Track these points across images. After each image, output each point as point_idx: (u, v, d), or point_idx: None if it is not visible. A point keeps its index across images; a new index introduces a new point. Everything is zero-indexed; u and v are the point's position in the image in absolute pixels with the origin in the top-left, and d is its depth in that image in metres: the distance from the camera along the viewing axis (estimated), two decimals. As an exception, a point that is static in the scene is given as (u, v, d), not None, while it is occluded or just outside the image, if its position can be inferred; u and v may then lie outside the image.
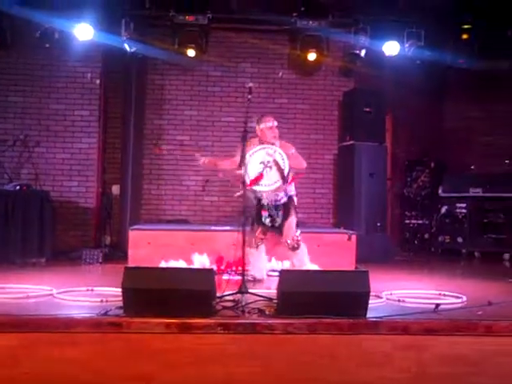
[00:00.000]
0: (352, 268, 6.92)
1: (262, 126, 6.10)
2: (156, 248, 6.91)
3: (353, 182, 9.13)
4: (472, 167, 9.94)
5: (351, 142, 9.27)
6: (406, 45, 9.04)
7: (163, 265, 6.59)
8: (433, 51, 9.08)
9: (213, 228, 7.52)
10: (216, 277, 4.60)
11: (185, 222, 9.39)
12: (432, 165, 10.18)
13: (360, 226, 8.73)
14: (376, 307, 4.64)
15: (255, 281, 6.02)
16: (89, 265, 7.50)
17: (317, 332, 4.12)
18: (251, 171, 5.70)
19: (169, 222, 9.33)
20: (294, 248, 6.06)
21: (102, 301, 4.63)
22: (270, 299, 4.59)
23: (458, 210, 9.62)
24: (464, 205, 9.56)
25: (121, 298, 4.23)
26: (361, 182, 9.08)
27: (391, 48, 9.10)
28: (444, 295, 5.28)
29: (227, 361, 4.05)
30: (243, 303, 4.52)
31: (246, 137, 5.19)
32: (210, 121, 9.89)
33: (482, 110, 10.33)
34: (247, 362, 4.06)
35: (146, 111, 9.73)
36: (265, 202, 6.04)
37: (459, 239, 9.48)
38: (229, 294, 4.70)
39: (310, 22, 9.07)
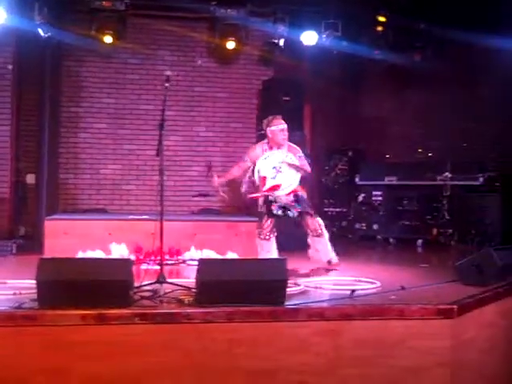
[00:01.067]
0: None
1: (274, 128, 6.26)
2: (73, 238, 6.77)
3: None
4: (387, 156, 10.20)
5: (270, 131, 9.30)
6: (324, 35, 9.15)
7: (81, 255, 6.47)
8: (350, 42, 9.24)
9: (131, 217, 7.44)
10: (134, 267, 4.56)
11: (103, 211, 9.23)
12: (350, 153, 10.37)
13: (279, 214, 8.79)
14: (294, 294, 4.72)
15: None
16: (1, 257, 7.26)
17: (236, 320, 4.14)
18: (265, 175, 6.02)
19: (86, 211, 9.15)
20: (319, 235, 6.27)
21: (15, 293, 4.50)
22: (189, 288, 4.58)
23: (374, 198, 9.85)
24: (380, 193, 9.80)
25: (35, 291, 4.13)
26: (280, 170, 9.12)
27: (309, 38, 9.19)
28: (360, 281, 5.40)
29: (145, 351, 4.02)
30: (161, 293, 4.50)
31: (162, 125, 5.13)
32: (129, 109, 9.75)
33: (396, 101, 10.59)
34: (166, 352, 4.05)
35: (62, 98, 9.50)
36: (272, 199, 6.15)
37: (375, 226, 9.72)
38: (147, 284, 4.67)
39: (229, 11, 9.04)
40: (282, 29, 9.16)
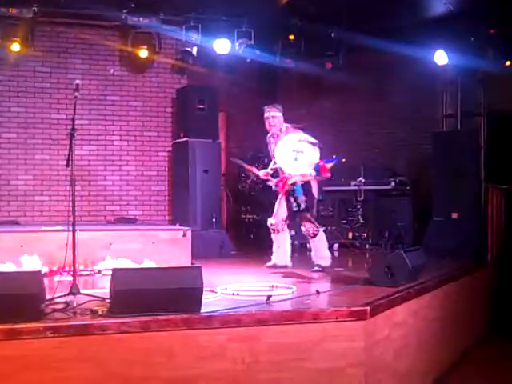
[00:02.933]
0: (188, 264, 6.96)
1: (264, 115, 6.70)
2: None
3: (187, 179, 9.19)
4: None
5: (185, 139, 9.33)
6: (237, 43, 9.22)
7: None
8: (263, 50, 9.34)
9: (43, 228, 7.25)
10: (47, 279, 4.45)
11: (14, 223, 8.95)
12: (265, 160, 10.44)
13: (196, 222, 8.82)
14: (211, 302, 4.71)
15: (277, 267, 6.55)
16: None
17: (151, 329, 4.10)
18: (287, 159, 6.29)
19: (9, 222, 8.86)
20: (314, 235, 6.62)
21: None
22: (103, 299, 4.51)
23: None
24: (295, 198, 9.91)
25: None
26: (195, 178, 9.16)
27: (222, 46, 9.23)
28: (276, 287, 5.46)
29: (58, 365, 3.91)
30: (74, 304, 4.41)
31: (73, 134, 5.04)
32: (39, 118, 9.52)
33: (311, 108, 10.78)
34: (79, 365, 3.95)
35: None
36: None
37: (292, 232, 9.80)
38: (59, 296, 4.57)
39: (141, 19, 8.98)
40: (194, 37, 9.15)
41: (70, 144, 4.94)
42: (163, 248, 7.04)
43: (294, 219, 6.88)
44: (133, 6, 8.93)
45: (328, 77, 10.01)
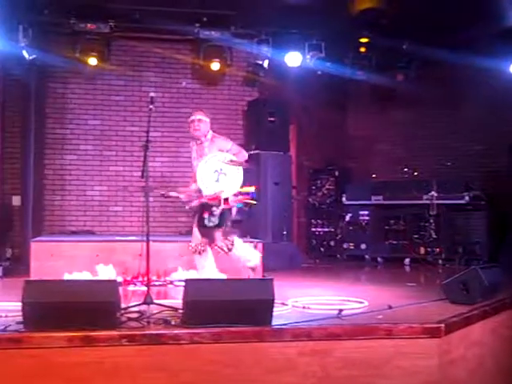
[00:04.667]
0: (259, 276, 6.96)
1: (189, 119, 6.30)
2: (60, 260, 6.73)
3: (258, 191, 9.18)
4: (373, 175, 10.25)
5: (256, 151, 9.36)
6: (308, 56, 9.23)
7: (67, 277, 6.43)
8: (333, 63, 9.32)
9: (118, 238, 7.40)
10: (121, 288, 4.53)
11: (90, 233, 9.19)
12: (336, 173, 10.43)
13: (266, 235, 8.83)
14: (281, 315, 4.69)
15: None
16: (-12, 279, 7.22)
17: (222, 341, 4.12)
18: (207, 181, 5.89)
19: (73, 233, 9.12)
20: (230, 250, 6.15)
21: (0, 316, 4.46)
22: (176, 309, 4.56)
23: (361, 218, 9.89)
24: (366, 212, 9.85)
25: (21, 313, 4.09)
26: (266, 190, 9.18)
27: (293, 59, 9.28)
28: (347, 301, 5.40)
29: (133, 373, 3.98)
30: (148, 314, 4.47)
31: (147, 146, 5.14)
32: (114, 130, 9.76)
33: (381, 120, 10.68)
34: (153, 374, 4.01)
35: (47, 120, 9.50)
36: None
37: (363, 246, 9.74)
38: (134, 305, 4.65)
39: (213, 32, 9.12)
40: (266, 50, 9.24)
41: (145, 156, 5.04)
42: (234, 260, 7.05)
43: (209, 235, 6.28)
44: (205, 20, 9.07)
45: (400, 89, 9.90)
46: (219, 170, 5.94)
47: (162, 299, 5.16)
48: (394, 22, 8.69)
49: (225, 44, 9.23)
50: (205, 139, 6.22)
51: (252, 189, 6.24)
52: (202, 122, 6.22)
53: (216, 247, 6.15)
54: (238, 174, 6.04)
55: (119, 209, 9.58)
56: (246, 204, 6.21)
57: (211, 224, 6.01)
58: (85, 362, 3.92)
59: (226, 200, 5.98)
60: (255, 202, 6.35)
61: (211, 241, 6.15)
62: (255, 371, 4.12)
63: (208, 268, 6.19)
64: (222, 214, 6.01)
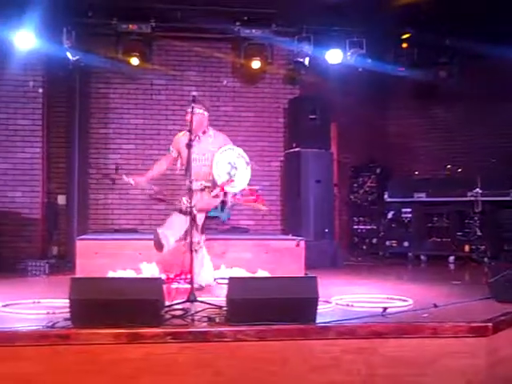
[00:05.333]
0: (301, 274, 6.95)
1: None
2: (104, 258, 6.80)
3: (300, 189, 9.21)
4: (416, 172, 10.14)
5: (297, 149, 9.36)
6: (349, 53, 9.18)
7: (111, 275, 6.50)
8: (375, 59, 9.25)
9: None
10: (165, 286, 4.57)
11: (133, 231, 9.29)
12: (378, 170, 10.36)
13: (308, 233, 8.80)
14: (325, 312, 4.68)
15: (201, 288, 5.87)
16: (35, 277, 7.36)
17: (267, 338, 4.12)
18: (221, 170, 5.82)
19: (116, 231, 9.23)
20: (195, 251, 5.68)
21: (48, 313, 4.55)
22: (220, 307, 4.58)
23: (403, 215, 9.80)
24: (409, 209, 9.75)
25: (68, 310, 4.16)
26: (308, 188, 9.17)
27: (334, 56, 9.25)
28: (391, 299, 5.35)
29: (178, 370, 4.02)
30: (192, 311, 4.50)
31: (190, 145, 5.18)
32: (156, 129, 9.84)
33: (423, 117, 10.58)
34: (198, 371, 4.03)
35: (90, 120, 9.63)
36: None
37: (405, 243, 9.65)
38: (178, 303, 4.68)
39: (254, 31, 9.14)
40: (306, 48, 9.21)
41: (189, 154, 5.07)
42: (276, 258, 7.08)
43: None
44: (246, 18, 9.10)
45: (442, 85, 9.78)
46: (233, 163, 5.92)
47: (206, 297, 5.18)
48: (435, 17, 8.62)
49: (265, 42, 9.23)
50: (204, 135, 6.10)
51: (261, 206, 6.27)
52: (195, 115, 5.68)
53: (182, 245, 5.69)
54: (246, 172, 6.00)
55: (162, 207, 9.63)
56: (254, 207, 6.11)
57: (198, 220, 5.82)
58: (131, 358, 3.97)
59: (225, 195, 5.92)
60: (264, 208, 6.33)
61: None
62: (300, 369, 4.11)
63: (201, 269, 6.00)
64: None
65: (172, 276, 6.58)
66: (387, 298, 5.38)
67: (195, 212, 5.62)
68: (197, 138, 5.99)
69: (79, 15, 8.77)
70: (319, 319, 4.31)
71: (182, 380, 4.02)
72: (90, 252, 6.91)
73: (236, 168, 5.92)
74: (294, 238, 7.65)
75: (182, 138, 5.99)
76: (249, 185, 6.08)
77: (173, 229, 5.92)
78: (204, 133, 6.07)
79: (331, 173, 9.57)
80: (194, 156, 5.76)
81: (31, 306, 4.99)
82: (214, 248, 7.00)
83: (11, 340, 3.91)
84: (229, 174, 5.89)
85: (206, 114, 6.07)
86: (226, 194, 5.94)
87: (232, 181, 5.85)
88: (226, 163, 5.89)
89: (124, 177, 6.16)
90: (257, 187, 6.12)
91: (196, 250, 5.76)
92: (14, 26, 8.26)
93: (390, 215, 9.85)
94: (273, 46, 9.39)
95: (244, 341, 4.10)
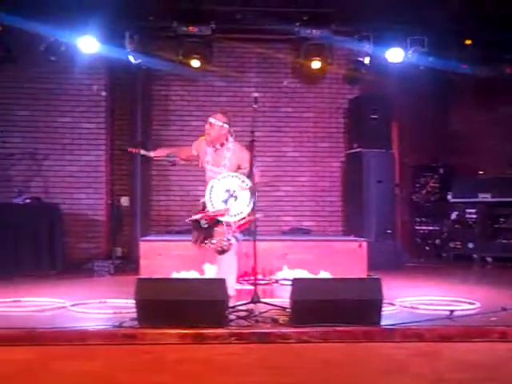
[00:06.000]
0: (363, 275, 6.90)
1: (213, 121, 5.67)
2: (167, 259, 6.90)
3: (361, 189, 9.13)
4: (480, 172, 9.92)
5: (358, 150, 9.29)
6: (410, 51, 9.05)
7: (175, 275, 6.58)
8: (437, 57, 9.09)
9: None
10: (228, 286, 4.58)
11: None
12: (441, 170, 10.17)
13: (370, 233, 8.71)
14: (389, 315, 4.63)
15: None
16: (100, 277, 7.52)
17: (331, 340, 4.11)
18: (215, 198, 5.37)
19: (178, 232, 9.32)
20: (223, 251, 5.39)
21: (115, 312, 4.64)
22: (283, 308, 4.59)
23: (468, 216, 9.59)
24: (474, 210, 9.53)
25: (134, 310, 4.23)
26: (369, 188, 9.08)
27: (395, 55, 9.12)
28: (457, 301, 5.25)
29: (242, 371, 4.04)
30: (256, 312, 4.52)
31: (252, 146, 5.19)
32: (217, 131, 9.88)
33: (488, 115, 10.32)
34: (262, 372, 4.05)
35: (152, 122, 9.77)
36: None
37: (470, 245, 9.43)
38: (241, 304, 4.71)
39: (314, 31, 9.09)
40: (367, 47, 9.12)
41: (251, 155, 5.08)
42: (338, 259, 7.05)
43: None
44: (305, 18, 9.06)
45: (507, 81, 9.54)
46: (232, 191, 5.37)
47: (268, 298, 5.19)
48: (499, 12, 8.42)
49: (325, 42, 9.17)
50: (222, 147, 5.68)
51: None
52: (213, 126, 5.60)
53: (208, 243, 5.42)
54: (247, 203, 5.33)
55: (223, 208, 9.71)
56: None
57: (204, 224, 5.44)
58: (196, 358, 4.02)
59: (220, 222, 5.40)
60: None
61: (207, 235, 5.46)
62: (365, 372, 4.08)
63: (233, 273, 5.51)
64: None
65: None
66: (453, 301, 5.28)
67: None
68: (214, 149, 5.71)
69: (141, 19, 8.90)
70: (384, 321, 4.27)
71: (245, 381, 4.05)
72: (153, 253, 7.02)
73: (235, 197, 5.35)
74: (356, 239, 7.60)
75: (202, 142, 5.80)
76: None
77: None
78: (222, 145, 5.67)
79: (393, 173, 9.44)
80: (208, 167, 5.74)
81: (98, 306, 5.10)
82: (276, 249, 7.02)
83: (81, 339, 4.01)
84: (225, 202, 5.37)
85: (225, 126, 5.64)
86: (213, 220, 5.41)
87: (227, 210, 5.32)
88: (223, 191, 5.38)
89: (142, 151, 6.15)
90: (258, 215, 5.43)
91: (224, 250, 5.41)
92: (78, 31, 8.45)
93: (453, 216, 9.65)
94: (332, 45, 9.31)
95: (308, 342, 4.10)
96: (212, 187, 5.43)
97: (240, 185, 5.35)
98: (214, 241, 5.36)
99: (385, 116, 9.45)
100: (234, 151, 5.65)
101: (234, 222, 5.30)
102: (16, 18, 8.02)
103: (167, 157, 6.00)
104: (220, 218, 5.32)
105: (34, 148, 9.08)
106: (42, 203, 8.22)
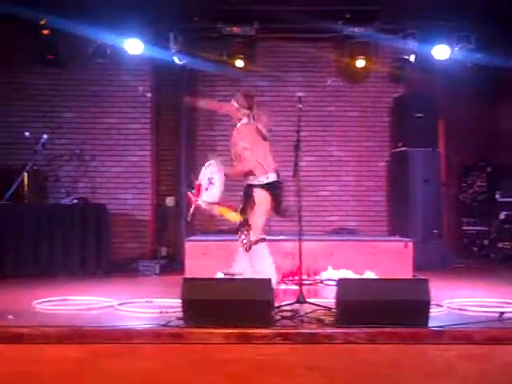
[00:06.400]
0: (409, 276, 6.81)
1: None
2: (212, 259, 6.92)
3: (407, 189, 9.03)
4: (530, 171, 9.71)
5: (403, 149, 9.18)
6: (456, 48, 8.91)
7: (220, 275, 6.61)
8: (484, 54, 8.93)
9: (268, 238, 7.48)
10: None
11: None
12: (488, 169, 9.99)
13: (415, 234, 8.59)
14: (437, 316, 4.56)
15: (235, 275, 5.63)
16: (146, 276, 7.60)
17: (377, 341, 4.07)
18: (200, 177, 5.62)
19: (221, 232, 9.34)
20: (247, 249, 5.63)
21: (161, 312, 4.68)
22: (329, 308, 4.57)
23: (517, 215, 9.41)
24: (523, 210, 9.35)
25: (180, 310, 4.26)
26: (415, 188, 8.98)
27: (441, 52, 8.98)
28: (507, 303, 5.14)
29: (287, 371, 4.03)
30: (302, 313, 4.50)
31: (298, 146, 5.18)
32: (261, 130, 9.89)
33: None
34: (307, 373, 4.03)
35: (197, 123, 9.83)
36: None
37: (518, 243, 9.25)
38: (287, 304, 4.70)
39: (357, 29, 9.02)
40: (412, 44, 9.01)
41: (296, 155, 5.08)
42: (384, 259, 6.98)
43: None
44: (348, 16, 9.00)
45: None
46: (211, 178, 5.58)
47: (313, 298, 5.17)
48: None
49: (370, 40, 9.10)
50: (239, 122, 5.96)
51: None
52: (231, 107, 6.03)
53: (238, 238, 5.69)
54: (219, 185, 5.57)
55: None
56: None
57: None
58: (241, 358, 4.02)
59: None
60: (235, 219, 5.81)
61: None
62: (413, 373, 4.04)
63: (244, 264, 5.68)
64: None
65: (280, 277, 6.61)
66: (502, 303, 5.18)
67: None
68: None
69: (185, 20, 8.97)
70: (432, 323, 4.22)
71: (291, 381, 4.04)
72: (198, 253, 7.05)
73: (213, 184, 5.56)
74: (402, 239, 7.51)
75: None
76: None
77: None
78: (239, 120, 5.98)
79: (439, 172, 9.32)
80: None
81: (144, 305, 5.16)
82: (321, 249, 6.98)
83: (128, 337, 4.06)
84: (206, 190, 5.59)
85: (235, 104, 5.99)
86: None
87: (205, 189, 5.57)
88: (205, 178, 5.62)
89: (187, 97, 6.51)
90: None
91: (248, 248, 5.61)
92: (123, 33, 8.57)
93: (502, 216, 9.47)
94: (377, 43, 9.23)
95: (354, 343, 4.07)
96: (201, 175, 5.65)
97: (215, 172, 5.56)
98: (238, 238, 5.65)
99: (431, 114, 9.32)
100: (236, 131, 5.88)
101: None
102: (64, 21, 8.18)
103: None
104: (193, 200, 5.58)
105: (81, 149, 9.21)
106: (88, 204, 8.37)
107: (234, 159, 5.85)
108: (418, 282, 4.59)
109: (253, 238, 5.60)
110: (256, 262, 5.57)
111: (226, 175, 5.60)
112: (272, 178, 5.70)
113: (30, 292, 5.97)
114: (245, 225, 5.69)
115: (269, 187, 5.66)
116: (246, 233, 5.66)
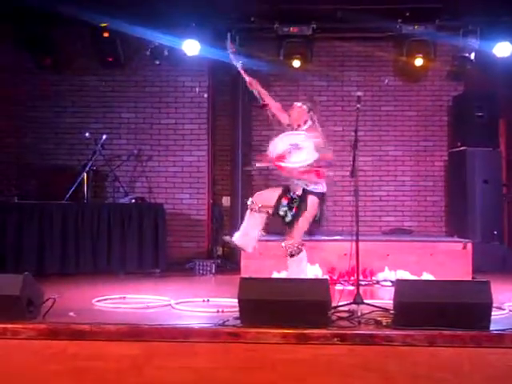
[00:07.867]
0: (468, 278, 6.69)
1: None
2: (268, 259, 6.93)
3: (466, 189, 8.85)
4: None
5: (463, 148, 9.00)
6: (518, 45, 8.70)
7: (275, 275, 6.62)
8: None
9: (323, 238, 7.47)
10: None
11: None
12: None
13: (475, 235, 8.43)
14: (499, 319, 4.48)
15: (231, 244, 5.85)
16: (202, 276, 7.67)
17: (437, 344, 4.01)
18: (279, 147, 5.55)
19: (278, 233, 9.33)
20: (291, 255, 5.62)
21: (218, 311, 4.72)
22: (386, 310, 4.52)
23: None
24: None
25: (236, 309, 4.29)
26: (474, 188, 8.80)
27: (503, 49, 8.77)
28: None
29: (344, 372, 4.01)
30: (359, 314, 4.47)
31: (356, 145, 5.15)
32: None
33: None
34: (365, 374, 4.01)
35: (253, 123, 9.85)
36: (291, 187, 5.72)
37: None
38: (344, 305, 4.68)
39: (416, 27, 8.89)
40: (473, 42, 8.83)
41: (354, 155, 5.05)
42: (442, 260, 6.87)
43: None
44: (407, 14, 8.88)
45: None
46: (295, 144, 5.50)
47: (369, 299, 5.13)
48: None
49: (429, 38, 8.95)
50: (298, 128, 5.84)
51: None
52: (293, 108, 5.95)
53: (283, 244, 5.68)
54: (311, 153, 5.47)
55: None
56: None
57: (282, 213, 5.70)
58: (298, 358, 4.02)
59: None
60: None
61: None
62: (473, 378, 3.96)
63: (252, 232, 5.84)
64: (298, 211, 5.62)
65: (335, 277, 6.60)
66: None
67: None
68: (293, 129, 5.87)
69: (242, 21, 9.00)
70: (493, 326, 4.13)
71: (347, 382, 4.01)
72: (254, 253, 7.02)
73: (299, 149, 5.48)
74: (461, 240, 7.37)
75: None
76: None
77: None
78: (299, 126, 5.84)
79: (500, 172, 9.11)
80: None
81: (201, 304, 5.20)
82: (378, 250, 6.92)
83: (184, 336, 4.10)
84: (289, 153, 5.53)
85: (304, 107, 5.90)
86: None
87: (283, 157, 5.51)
88: (287, 144, 5.55)
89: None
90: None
91: (292, 255, 5.61)
92: (181, 35, 8.65)
93: None
94: (436, 41, 9.08)
95: (413, 345, 4.03)
96: (278, 140, 5.63)
97: (303, 139, 5.49)
98: (283, 244, 5.62)
99: (491, 113, 9.11)
100: (307, 130, 5.74)
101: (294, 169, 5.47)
102: (122, 23, 8.32)
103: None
104: (281, 164, 5.51)
105: (139, 149, 9.35)
106: (146, 203, 8.49)
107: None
108: (479, 284, 4.50)
109: (296, 243, 5.60)
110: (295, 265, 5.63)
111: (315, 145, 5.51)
112: (325, 188, 5.68)
113: (89, 290, 6.10)
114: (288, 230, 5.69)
115: (323, 198, 5.67)
116: (289, 239, 5.64)
